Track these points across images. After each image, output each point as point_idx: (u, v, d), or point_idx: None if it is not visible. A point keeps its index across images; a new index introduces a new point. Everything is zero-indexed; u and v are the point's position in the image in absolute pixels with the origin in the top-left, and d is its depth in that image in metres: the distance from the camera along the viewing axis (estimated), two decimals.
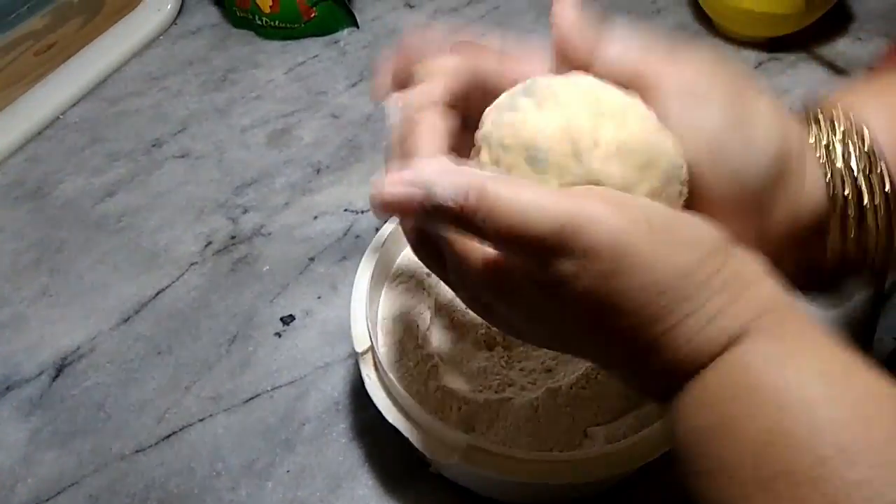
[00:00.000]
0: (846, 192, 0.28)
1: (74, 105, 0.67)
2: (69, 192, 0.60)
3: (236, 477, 0.43)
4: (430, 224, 0.25)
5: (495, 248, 0.24)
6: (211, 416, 0.46)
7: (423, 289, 0.45)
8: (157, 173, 0.61)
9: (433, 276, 0.45)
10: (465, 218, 0.23)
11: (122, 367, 0.48)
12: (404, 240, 0.46)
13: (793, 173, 0.27)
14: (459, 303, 0.44)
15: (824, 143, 0.28)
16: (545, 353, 0.42)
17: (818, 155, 0.28)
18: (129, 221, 0.57)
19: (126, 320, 0.51)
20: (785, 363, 0.23)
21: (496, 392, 0.40)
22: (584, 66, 0.27)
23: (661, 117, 0.26)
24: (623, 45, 0.27)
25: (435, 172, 0.24)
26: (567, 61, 0.28)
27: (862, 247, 0.28)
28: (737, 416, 0.23)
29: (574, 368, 0.40)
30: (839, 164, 0.28)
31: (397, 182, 0.24)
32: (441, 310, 0.44)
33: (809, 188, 0.28)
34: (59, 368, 0.49)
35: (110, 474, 0.43)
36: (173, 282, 0.53)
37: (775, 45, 0.71)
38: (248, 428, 0.45)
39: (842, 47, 0.72)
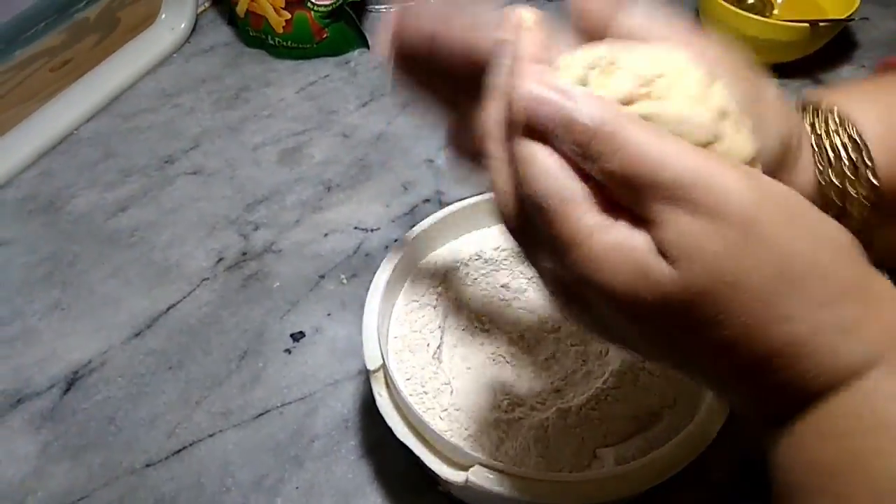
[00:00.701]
0: (833, 179, 0.28)
1: (88, 121, 0.68)
2: (82, 207, 0.60)
3: (246, 493, 0.43)
4: (554, 138, 0.23)
5: (609, 185, 0.22)
6: (221, 431, 0.46)
7: (434, 307, 0.45)
8: (169, 189, 0.62)
9: (444, 295, 0.45)
10: (595, 143, 0.21)
11: (133, 382, 0.49)
12: (415, 259, 0.46)
13: (793, 156, 0.28)
14: (471, 322, 0.45)
15: (817, 132, 0.29)
16: (555, 374, 0.42)
17: (811, 143, 0.29)
18: (142, 236, 0.58)
19: (137, 335, 0.52)
20: None
21: (506, 412, 0.40)
22: (600, 35, 0.26)
23: None
24: (645, 17, 0.26)
25: (582, 91, 0.22)
26: (583, 30, 0.27)
27: None
28: (868, 452, 0.21)
29: (584, 389, 0.41)
30: (828, 152, 0.29)
31: (547, 84, 0.22)
32: (452, 329, 0.45)
33: (802, 172, 0.28)
34: (71, 382, 0.49)
35: (120, 488, 0.44)
36: (184, 297, 0.54)
37: (780, 71, 0.72)
38: (257, 444, 0.46)
39: (845, 74, 0.73)
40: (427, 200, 0.60)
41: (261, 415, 0.47)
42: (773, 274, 0.21)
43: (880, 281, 0.23)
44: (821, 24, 0.67)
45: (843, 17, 0.69)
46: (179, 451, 0.45)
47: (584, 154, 0.22)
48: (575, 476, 0.37)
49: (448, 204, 0.48)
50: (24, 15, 0.63)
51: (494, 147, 0.25)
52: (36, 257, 0.57)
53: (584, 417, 0.40)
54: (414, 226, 0.47)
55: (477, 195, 0.48)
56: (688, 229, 0.21)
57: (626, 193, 0.22)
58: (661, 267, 0.21)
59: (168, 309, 0.53)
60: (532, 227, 0.24)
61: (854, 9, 0.69)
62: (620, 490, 0.36)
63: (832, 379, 0.22)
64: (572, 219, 0.22)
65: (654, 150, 0.21)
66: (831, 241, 0.22)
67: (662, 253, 0.21)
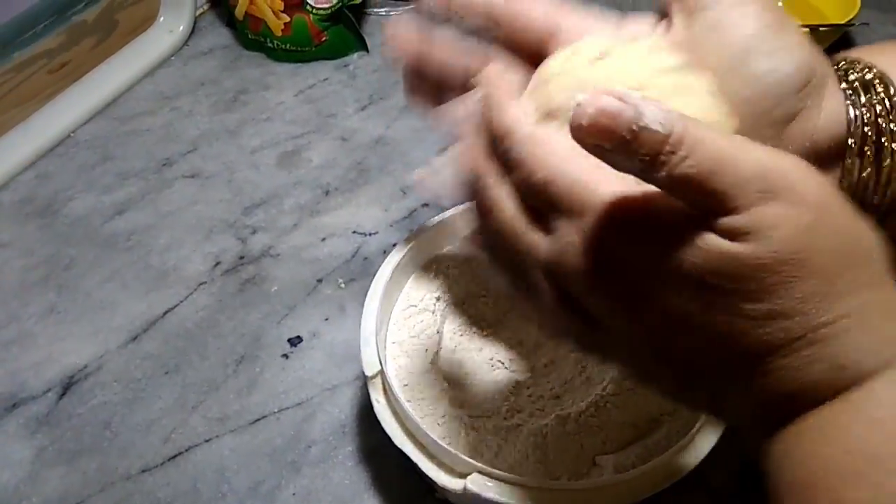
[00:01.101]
0: (867, 129, 0.28)
1: (86, 123, 0.68)
2: (79, 210, 0.60)
3: (242, 499, 0.43)
4: (619, 155, 0.22)
5: (677, 194, 0.22)
6: (217, 436, 0.46)
7: (433, 312, 0.45)
8: (167, 192, 0.61)
9: (443, 300, 0.45)
10: (667, 149, 0.21)
11: (129, 386, 0.49)
12: (413, 264, 0.46)
13: (814, 91, 0.28)
14: (469, 327, 0.45)
15: (849, 79, 0.29)
16: (554, 380, 0.42)
17: (842, 86, 0.28)
18: (139, 240, 0.58)
19: (134, 339, 0.51)
20: None
21: (505, 418, 0.40)
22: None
23: (701, 8, 0.27)
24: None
25: (635, 99, 0.21)
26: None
27: (873, 185, 0.28)
28: None
29: (583, 396, 0.41)
30: (863, 99, 0.28)
31: (608, 95, 0.21)
32: (450, 334, 0.44)
33: (829, 114, 0.28)
34: (66, 386, 0.49)
35: (116, 494, 0.43)
36: (181, 301, 0.53)
37: None
38: (254, 449, 0.45)
39: None
40: (426, 205, 0.60)
41: (258, 420, 0.47)
42: (836, 254, 0.22)
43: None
44: (820, 28, 0.67)
45: (842, 23, 0.69)
46: (175, 456, 0.45)
47: (652, 162, 0.21)
48: (574, 483, 0.37)
49: (447, 208, 0.48)
50: (22, 16, 0.63)
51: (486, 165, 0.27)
52: (32, 260, 0.56)
53: (583, 424, 0.39)
54: (412, 230, 0.46)
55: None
56: (766, 213, 0.21)
57: (690, 192, 0.22)
58: (726, 244, 0.22)
59: (165, 313, 0.53)
60: (546, 230, 0.25)
61: (854, 14, 0.69)
62: (620, 498, 0.36)
63: (873, 361, 0.22)
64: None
65: (727, 148, 0.21)
66: (871, 230, 0.23)
67: (733, 234, 0.22)
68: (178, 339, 0.51)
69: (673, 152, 0.21)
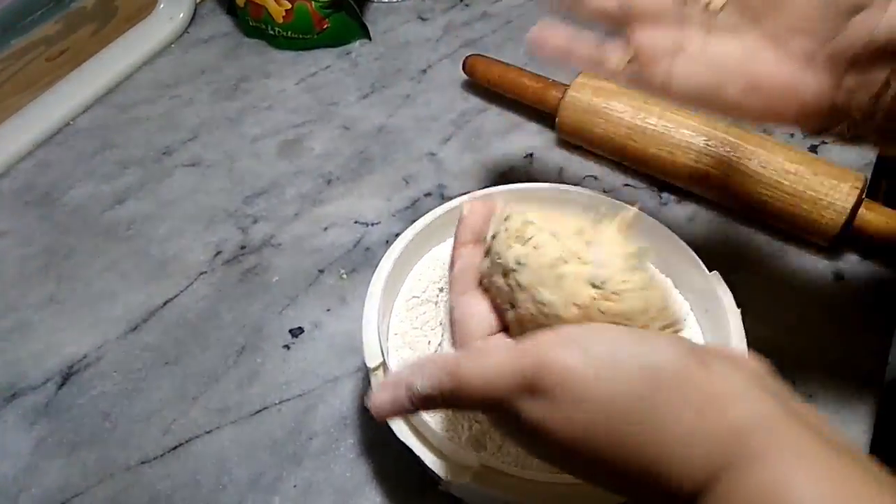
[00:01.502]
0: None
1: (85, 111, 0.67)
2: (78, 199, 0.60)
3: (243, 491, 0.43)
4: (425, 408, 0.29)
5: (482, 413, 0.27)
6: (218, 428, 0.46)
7: (435, 304, 0.44)
8: (167, 181, 0.61)
9: (445, 290, 0.44)
10: (447, 398, 0.27)
11: (129, 377, 0.48)
12: (415, 254, 0.46)
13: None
14: None
15: None
16: None
17: None
18: (139, 229, 0.57)
19: (134, 329, 0.51)
20: (777, 495, 0.22)
21: None
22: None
23: None
24: None
25: (412, 370, 0.28)
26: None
27: None
28: None
29: None
30: None
31: (385, 387, 0.28)
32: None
33: (894, 14, 0.29)
34: (66, 377, 0.48)
35: (115, 486, 0.43)
36: (182, 291, 0.53)
37: None
38: (255, 441, 0.45)
39: None
40: (428, 194, 0.59)
41: (258, 411, 0.46)
42: (607, 418, 0.24)
43: (730, 383, 0.24)
44: None
45: None
46: (175, 447, 0.45)
47: (455, 406, 0.28)
48: None
49: (450, 198, 0.48)
50: (21, 3, 0.62)
51: None
52: (31, 249, 0.56)
53: None
54: (415, 220, 0.46)
55: (479, 189, 0.47)
56: (537, 411, 0.25)
57: (492, 411, 0.27)
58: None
59: (165, 303, 0.52)
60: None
61: None
62: None
63: (688, 484, 0.23)
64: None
65: (485, 372, 0.26)
66: (653, 370, 0.24)
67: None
68: (179, 330, 0.51)
69: (452, 397, 0.27)
